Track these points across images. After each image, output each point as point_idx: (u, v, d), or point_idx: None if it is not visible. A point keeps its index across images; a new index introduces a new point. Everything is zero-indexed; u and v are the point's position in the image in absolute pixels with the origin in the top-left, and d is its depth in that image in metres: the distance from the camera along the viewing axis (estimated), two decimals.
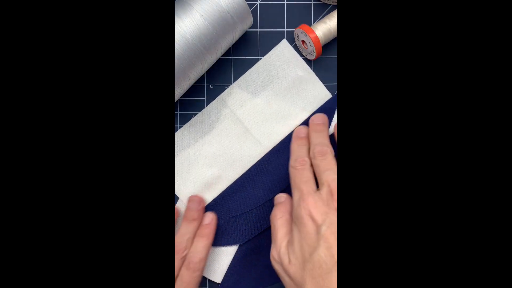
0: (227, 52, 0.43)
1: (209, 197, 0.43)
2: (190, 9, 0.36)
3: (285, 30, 0.44)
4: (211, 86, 0.44)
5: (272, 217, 0.39)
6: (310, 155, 0.39)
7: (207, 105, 0.43)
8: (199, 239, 0.40)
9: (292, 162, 0.39)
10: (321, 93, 0.43)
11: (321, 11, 0.44)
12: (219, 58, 0.43)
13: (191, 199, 0.42)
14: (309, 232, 0.34)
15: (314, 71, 0.43)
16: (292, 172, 0.39)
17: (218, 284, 0.43)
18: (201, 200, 0.42)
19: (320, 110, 0.43)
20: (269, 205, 0.41)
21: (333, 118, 0.43)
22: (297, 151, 0.40)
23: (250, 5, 0.43)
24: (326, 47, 0.43)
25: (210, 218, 0.42)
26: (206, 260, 0.40)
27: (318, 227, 0.34)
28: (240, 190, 0.43)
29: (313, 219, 0.34)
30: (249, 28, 0.43)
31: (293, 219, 0.37)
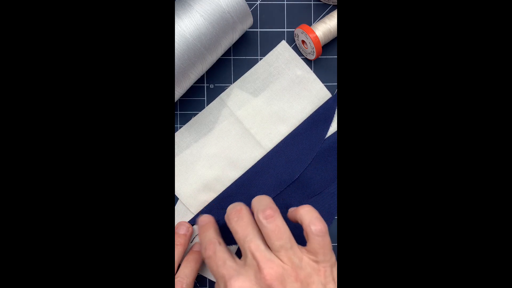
0: (227, 52, 0.44)
1: (209, 197, 0.43)
2: (190, 9, 0.36)
3: (285, 30, 0.44)
4: (211, 86, 0.44)
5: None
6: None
7: (207, 105, 0.43)
8: (187, 264, 0.40)
9: (202, 252, 0.36)
10: (321, 93, 0.43)
11: (321, 11, 0.44)
12: (219, 58, 0.43)
13: (180, 224, 0.42)
14: None
15: (314, 71, 0.43)
16: (207, 262, 0.35)
17: None
18: (189, 226, 0.42)
19: (320, 110, 0.43)
20: None
21: (333, 118, 0.43)
22: (202, 238, 0.37)
23: (250, 5, 0.43)
24: (326, 47, 0.43)
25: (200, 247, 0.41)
26: (193, 284, 0.39)
27: None
28: (240, 190, 0.43)
29: None
30: (249, 28, 0.43)
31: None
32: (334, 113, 0.43)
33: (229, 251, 0.35)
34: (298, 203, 0.43)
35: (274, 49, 0.43)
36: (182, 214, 0.43)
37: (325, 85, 0.43)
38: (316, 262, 0.32)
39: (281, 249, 0.32)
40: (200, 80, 0.44)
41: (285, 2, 0.43)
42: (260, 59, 0.43)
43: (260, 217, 0.33)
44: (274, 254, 0.32)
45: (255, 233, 0.33)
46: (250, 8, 0.43)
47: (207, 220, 0.39)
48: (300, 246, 0.33)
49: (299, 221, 0.35)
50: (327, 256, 0.32)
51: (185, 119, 0.43)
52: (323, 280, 0.31)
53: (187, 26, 0.36)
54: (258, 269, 0.31)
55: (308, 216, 0.34)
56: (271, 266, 0.31)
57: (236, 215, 0.35)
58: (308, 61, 0.44)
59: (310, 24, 0.43)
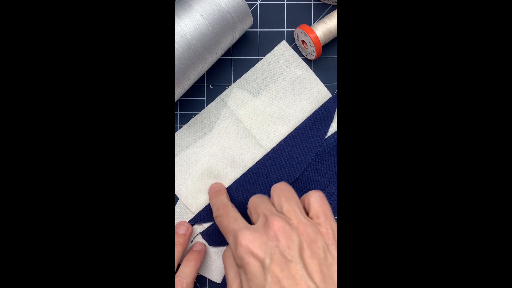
0: (227, 52, 0.44)
1: None
2: (190, 9, 0.36)
3: (285, 30, 0.44)
4: (211, 86, 0.44)
5: (223, 257, 0.37)
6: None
7: (207, 105, 0.43)
8: (187, 264, 0.40)
9: (214, 213, 0.39)
10: (321, 93, 0.43)
11: (321, 11, 0.44)
12: (219, 58, 0.43)
13: (179, 224, 0.42)
14: (253, 271, 0.31)
15: (314, 71, 0.43)
16: (218, 220, 0.37)
17: (218, 284, 0.43)
18: (188, 226, 0.42)
19: (320, 110, 0.43)
20: None
21: (333, 118, 0.43)
22: (215, 202, 0.40)
23: (250, 5, 0.43)
24: (326, 47, 0.43)
25: (200, 247, 0.42)
26: (193, 284, 0.40)
27: (261, 262, 0.31)
28: (240, 190, 0.43)
29: (254, 255, 0.31)
30: (249, 28, 0.43)
31: (236, 263, 0.33)
32: (334, 113, 0.43)
33: (240, 214, 0.37)
34: None
35: (274, 49, 0.43)
36: (182, 214, 0.43)
37: (325, 85, 0.43)
38: (319, 224, 0.33)
39: (289, 208, 0.34)
40: (200, 80, 0.44)
41: (285, 2, 0.43)
42: (260, 59, 0.43)
43: (274, 185, 0.37)
44: (282, 213, 0.34)
45: (269, 201, 0.36)
46: (250, 8, 0.43)
47: (219, 186, 0.42)
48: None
49: (304, 202, 0.36)
50: (328, 218, 0.34)
51: (185, 119, 0.44)
52: (326, 240, 0.32)
53: (187, 26, 0.36)
54: (266, 221, 0.32)
55: (308, 191, 0.36)
56: (278, 219, 0.32)
57: (256, 195, 0.38)
58: (308, 61, 0.44)
59: (310, 24, 0.43)
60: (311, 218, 0.34)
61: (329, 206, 0.35)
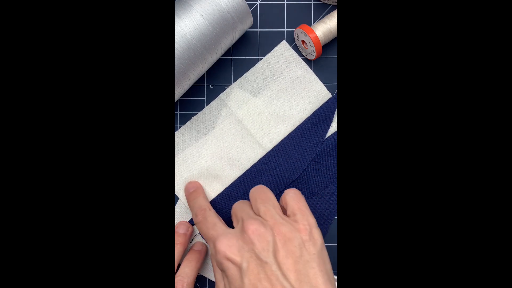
0: (227, 52, 0.44)
1: (209, 197, 0.43)
2: (190, 9, 0.36)
3: (285, 30, 0.44)
4: (211, 86, 0.44)
5: (211, 258, 0.37)
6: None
7: (207, 105, 0.43)
8: (188, 263, 0.40)
9: (193, 218, 0.39)
10: (321, 93, 0.43)
11: (321, 11, 0.44)
12: (219, 58, 0.43)
13: (179, 223, 0.42)
14: (232, 275, 0.32)
15: (314, 71, 0.43)
16: (198, 227, 0.38)
17: None
18: (189, 226, 0.42)
19: (320, 110, 0.43)
20: None
21: (333, 118, 0.43)
22: (192, 205, 0.41)
23: (250, 5, 0.43)
24: (326, 47, 0.43)
25: (201, 246, 0.42)
26: (193, 283, 0.40)
27: (239, 266, 0.32)
28: (240, 190, 0.43)
29: (232, 260, 0.32)
30: (249, 28, 0.43)
31: (218, 267, 0.35)
32: (334, 113, 0.43)
33: (219, 217, 0.38)
34: None
35: (274, 49, 0.43)
36: (182, 214, 0.43)
37: (325, 85, 0.43)
38: (296, 221, 0.34)
39: (266, 211, 0.34)
40: (200, 80, 0.44)
41: (285, 2, 0.43)
42: (260, 59, 0.43)
43: (252, 188, 0.37)
44: (259, 216, 0.34)
45: (249, 205, 0.36)
46: (250, 8, 0.43)
47: (195, 186, 0.42)
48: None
49: (281, 202, 0.37)
50: (305, 214, 0.34)
51: (185, 119, 0.44)
52: (303, 236, 0.33)
53: (187, 26, 0.36)
54: (243, 226, 0.33)
55: (286, 190, 0.37)
56: (253, 222, 0.33)
57: (239, 203, 0.38)
58: (308, 61, 0.44)
59: (310, 24, 0.43)
60: (288, 216, 0.35)
61: (305, 202, 0.35)
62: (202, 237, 0.43)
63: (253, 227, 0.32)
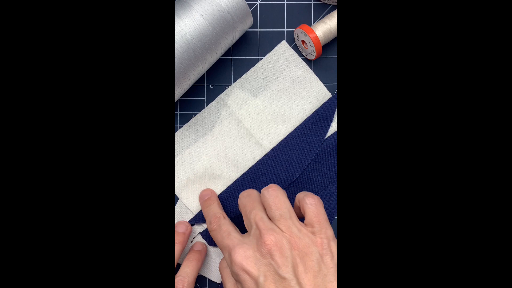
0: (227, 52, 0.44)
1: None
2: (190, 9, 0.36)
3: (285, 30, 0.44)
4: (211, 86, 0.44)
5: (219, 267, 0.38)
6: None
7: (207, 105, 0.43)
8: (188, 263, 0.40)
9: (208, 226, 0.39)
10: (321, 93, 0.43)
11: (321, 11, 0.44)
12: (219, 58, 0.43)
13: (179, 223, 0.42)
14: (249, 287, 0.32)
15: (314, 71, 0.43)
16: (212, 234, 0.37)
17: (218, 284, 0.43)
18: (188, 225, 0.42)
19: (320, 110, 0.43)
20: None
21: (333, 118, 0.43)
22: (207, 212, 0.40)
23: (250, 5, 0.43)
24: (326, 47, 0.43)
25: (201, 247, 0.42)
26: (194, 283, 0.40)
27: (256, 280, 0.32)
28: (240, 190, 0.43)
29: (248, 273, 0.32)
30: (249, 28, 0.43)
31: (229, 277, 0.35)
32: (334, 113, 0.43)
33: (233, 225, 0.37)
34: None
35: (274, 49, 0.43)
36: (182, 214, 0.43)
37: (325, 85, 0.43)
38: (313, 233, 0.33)
39: (280, 218, 0.34)
40: (200, 80, 0.44)
41: (285, 2, 0.43)
42: (260, 59, 0.43)
43: (263, 190, 0.36)
44: (275, 224, 0.34)
45: (261, 207, 0.35)
46: (250, 8, 0.43)
47: (209, 193, 0.42)
48: (299, 220, 0.35)
49: (297, 202, 0.36)
50: (323, 226, 0.34)
51: (185, 119, 0.44)
52: (320, 251, 0.33)
53: (187, 26, 0.36)
54: (260, 236, 0.33)
55: (303, 194, 0.36)
56: (271, 233, 0.32)
57: (247, 192, 0.37)
58: (308, 61, 0.44)
59: (310, 24, 0.43)
60: (305, 225, 0.34)
61: (325, 213, 0.35)
62: (203, 238, 0.43)
63: (271, 240, 0.32)
